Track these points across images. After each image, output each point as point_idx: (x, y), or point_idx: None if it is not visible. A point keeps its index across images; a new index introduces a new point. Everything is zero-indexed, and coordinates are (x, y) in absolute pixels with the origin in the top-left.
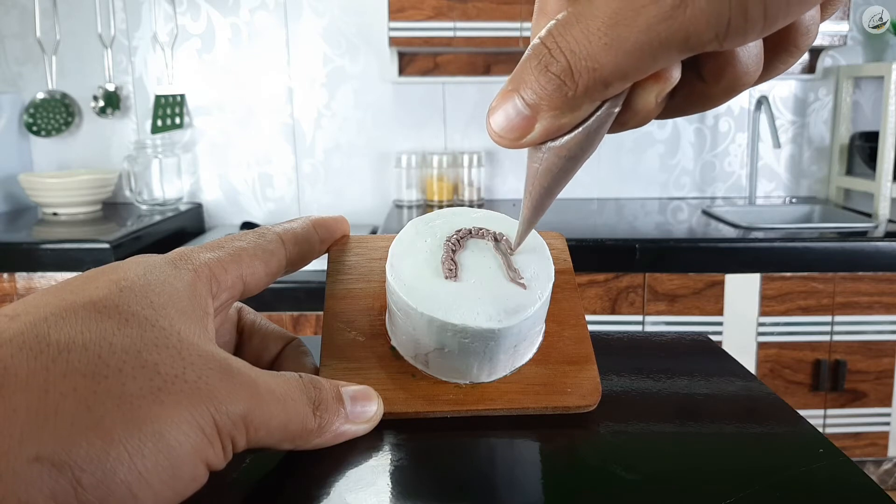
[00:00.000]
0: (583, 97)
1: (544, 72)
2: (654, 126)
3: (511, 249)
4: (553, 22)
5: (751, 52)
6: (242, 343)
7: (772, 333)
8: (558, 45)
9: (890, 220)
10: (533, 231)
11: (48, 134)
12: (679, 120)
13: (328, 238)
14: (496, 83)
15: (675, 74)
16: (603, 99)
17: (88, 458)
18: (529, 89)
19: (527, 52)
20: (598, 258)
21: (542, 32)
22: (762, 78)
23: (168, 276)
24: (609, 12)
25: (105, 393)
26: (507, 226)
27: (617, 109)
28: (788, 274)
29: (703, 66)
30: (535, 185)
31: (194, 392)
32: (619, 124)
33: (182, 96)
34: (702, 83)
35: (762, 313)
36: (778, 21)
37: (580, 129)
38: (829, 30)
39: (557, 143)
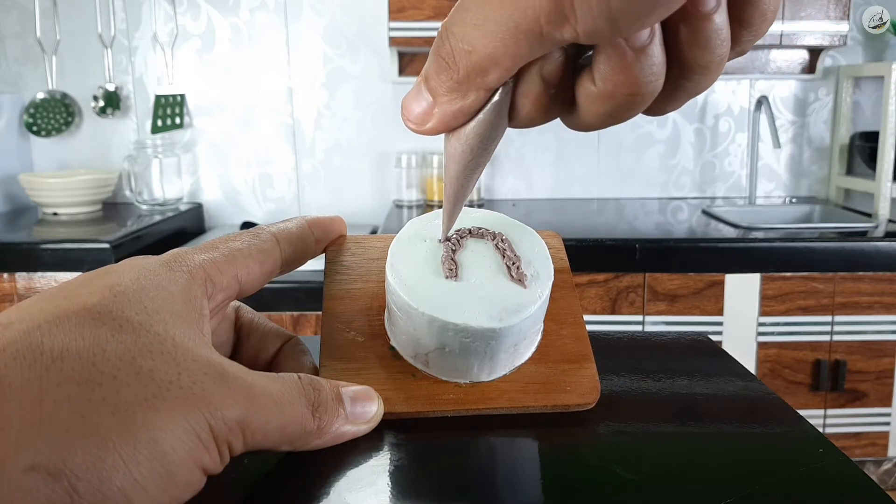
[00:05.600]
0: (466, 83)
1: (436, 55)
2: (654, 126)
3: (514, 253)
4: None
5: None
6: (240, 342)
7: (772, 333)
8: (447, 28)
9: (890, 220)
10: (531, 230)
11: (48, 134)
12: (679, 120)
13: (324, 238)
14: None
15: (549, 68)
16: (486, 87)
17: (84, 466)
18: (426, 74)
19: None
20: (598, 258)
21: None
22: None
23: (162, 280)
24: None
25: (100, 400)
26: (508, 226)
27: (508, 99)
28: (788, 274)
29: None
30: (447, 172)
31: (189, 398)
32: (512, 119)
33: (182, 96)
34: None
35: (762, 313)
36: (621, 24)
37: (475, 119)
38: (829, 30)
39: (457, 132)
